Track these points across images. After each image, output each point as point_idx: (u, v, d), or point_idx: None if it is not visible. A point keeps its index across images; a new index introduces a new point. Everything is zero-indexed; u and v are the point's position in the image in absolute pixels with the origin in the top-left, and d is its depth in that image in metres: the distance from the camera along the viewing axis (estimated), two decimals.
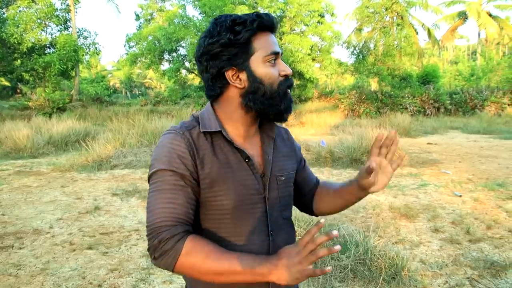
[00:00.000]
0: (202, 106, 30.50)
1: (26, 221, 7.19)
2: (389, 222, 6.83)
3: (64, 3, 35.99)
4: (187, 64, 36.81)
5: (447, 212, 7.32)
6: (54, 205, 8.22)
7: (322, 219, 1.43)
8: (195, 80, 41.68)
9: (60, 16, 35.44)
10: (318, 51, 37.44)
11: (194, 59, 1.72)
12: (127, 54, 40.42)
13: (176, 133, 1.60)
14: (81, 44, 35.51)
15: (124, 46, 41.35)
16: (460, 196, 8.37)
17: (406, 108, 31.17)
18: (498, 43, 58.05)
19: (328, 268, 1.37)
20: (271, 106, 1.62)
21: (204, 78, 1.68)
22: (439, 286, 4.62)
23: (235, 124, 1.68)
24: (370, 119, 27.28)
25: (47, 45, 34.93)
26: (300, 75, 35.27)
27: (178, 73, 37.31)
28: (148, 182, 1.60)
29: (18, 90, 49.38)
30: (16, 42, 31.16)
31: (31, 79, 37.16)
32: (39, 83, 36.24)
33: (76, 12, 35.92)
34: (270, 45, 1.62)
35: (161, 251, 1.45)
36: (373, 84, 40.02)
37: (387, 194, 8.66)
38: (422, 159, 12.67)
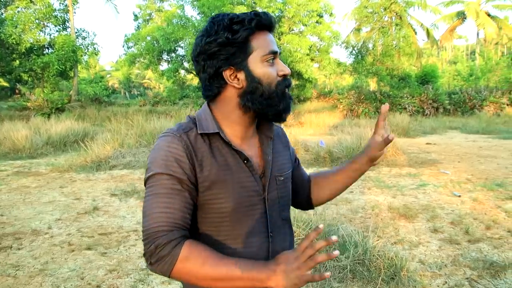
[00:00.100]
0: (200, 106, 30.42)
1: (25, 221, 7.18)
2: (388, 223, 6.83)
3: (63, 4, 35.98)
4: (186, 64, 36.79)
5: (446, 212, 7.32)
6: (53, 205, 8.21)
7: (320, 224, 1.42)
8: (194, 80, 41.68)
9: (59, 17, 35.43)
10: (317, 51, 37.50)
11: (192, 59, 1.70)
12: (125, 54, 40.39)
13: (173, 136, 1.58)
14: (80, 45, 35.47)
15: (123, 46, 41.48)
16: (459, 196, 8.36)
17: (405, 108, 31.16)
18: (496, 43, 58.06)
19: (327, 273, 1.37)
20: (269, 106, 1.61)
21: (201, 78, 1.67)
22: (438, 286, 4.61)
23: (233, 125, 1.66)
24: (369, 119, 27.32)
25: (46, 46, 34.91)
26: (299, 75, 35.32)
27: (177, 73, 37.32)
28: (145, 185, 1.58)
29: (17, 91, 49.46)
30: (14, 42, 31.14)
31: (29, 79, 37.12)
32: (38, 84, 36.24)
33: (75, 12, 36.07)
34: (269, 44, 1.60)
35: (158, 257, 1.43)
36: (372, 84, 40.01)
37: (386, 194, 8.66)
38: (421, 159, 12.67)
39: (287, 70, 1.63)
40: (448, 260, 5.29)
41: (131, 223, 7.01)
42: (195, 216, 1.60)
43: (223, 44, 1.56)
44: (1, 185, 10.03)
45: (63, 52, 32.37)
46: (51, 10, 33.93)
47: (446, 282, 4.70)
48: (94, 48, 36.94)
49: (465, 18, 49.64)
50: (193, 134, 1.60)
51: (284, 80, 1.64)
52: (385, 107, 1.79)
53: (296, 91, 38.04)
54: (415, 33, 40.46)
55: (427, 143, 17.04)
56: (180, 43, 35.96)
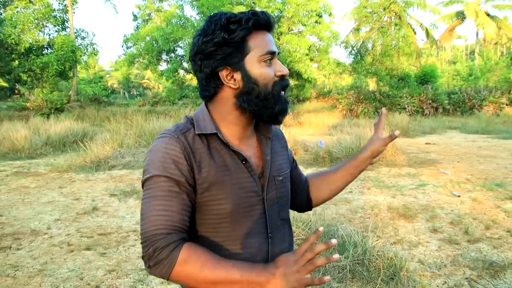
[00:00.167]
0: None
1: (24, 222, 7.18)
2: (388, 223, 6.82)
3: (62, 4, 35.97)
4: (185, 64, 36.80)
5: (446, 212, 7.32)
6: (52, 206, 8.21)
7: (320, 227, 1.41)
8: (193, 80, 41.65)
9: (58, 17, 35.41)
10: (316, 51, 37.50)
11: (189, 59, 1.70)
12: (125, 54, 40.42)
13: (171, 137, 1.57)
14: (79, 45, 35.46)
15: (122, 46, 41.45)
16: (459, 196, 8.36)
17: (404, 108, 31.17)
18: (496, 43, 58.07)
19: (327, 277, 1.36)
20: (265, 108, 1.59)
21: (198, 77, 1.66)
22: (437, 286, 4.61)
23: (230, 126, 1.65)
24: (368, 119, 27.31)
25: (45, 46, 34.88)
26: (298, 75, 35.33)
27: (176, 73, 37.35)
28: (142, 187, 1.57)
29: (16, 91, 49.49)
30: (13, 42, 31.12)
31: (29, 79, 37.12)
32: (37, 84, 36.23)
33: (74, 12, 35.95)
34: (266, 44, 1.59)
35: (156, 260, 1.42)
36: (371, 84, 40.03)
37: (385, 194, 8.66)
38: (420, 159, 12.67)
39: (285, 71, 1.62)
40: (448, 260, 5.29)
41: (130, 223, 7.01)
42: (194, 218, 1.59)
43: (219, 44, 1.55)
44: (0, 185, 10.03)
45: (62, 52, 32.36)
46: (50, 10, 33.92)
47: (445, 282, 4.70)
48: (93, 48, 36.90)
49: (465, 18, 49.65)
50: (190, 135, 1.59)
51: (282, 80, 1.62)
52: (385, 110, 1.89)
53: (295, 91, 38.06)
54: (415, 33, 40.46)
55: (426, 143, 17.05)
56: (179, 43, 36.00)
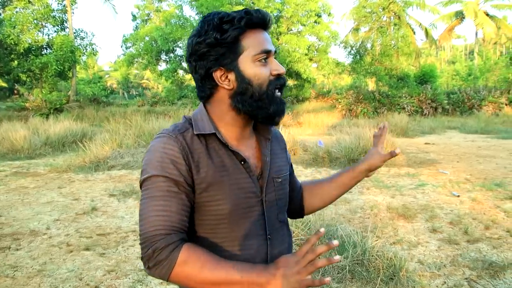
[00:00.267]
0: None
1: (23, 222, 7.17)
2: (387, 223, 6.82)
3: (61, 4, 36.03)
4: (184, 64, 36.80)
5: (445, 212, 7.32)
6: (51, 206, 8.20)
7: (322, 229, 1.40)
8: (192, 80, 41.44)
9: (57, 17, 35.45)
10: (315, 51, 37.55)
11: (186, 59, 1.68)
12: (124, 54, 40.47)
13: (169, 137, 1.55)
14: (78, 45, 35.51)
15: (121, 46, 41.56)
16: (458, 196, 8.36)
17: (404, 108, 31.20)
18: (495, 43, 58.14)
19: (327, 279, 1.35)
20: (259, 108, 1.57)
21: (194, 78, 1.65)
22: (437, 286, 4.61)
23: (228, 126, 1.63)
24: (367, 119, 27.32)
25: (44, 46, 34.89)
26: (297, 75, 35.38)
27: (175, 73, 37.39)
28: (140, 188, 1.55)
29: (15, 91, 49.51)
30: (13, 43, 31.10)
31: (28, 80, 37.13)
32: (36, 84, 36.22)
33: (73, 12, 35.94)
34: (261, 43, 1.57)
35: (156, 261, 1.41)
36: (371, 84, 40.08)
37: (385, 194, 8.66)
38: (419, 159, 12.68)
39: (281, 69, 1.60)
40: (447, 260, 5.28)
41: (129, 224, 7.00)
42: (192, 218, 1.58)
43: (212, 45, 1.53)
44: None
45: (61, 53, 32.38)
46: (49, 10, 33.93)
47: (445, 282, 4.69)
48: (93, 49, 36.91)
49: (464, 17, 49.67)
50: (189, 134, 1.58)
51: (278, 79, 1.60)
52: (387, 124, 1.92)
53: (295, 91, 38.11)
54: (414, 33, 40.45)
55: (425, 143, 17.06)
56: (178, 43, 36.05)
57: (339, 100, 33.67)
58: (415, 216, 7.14)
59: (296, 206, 2.04)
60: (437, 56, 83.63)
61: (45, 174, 11.37)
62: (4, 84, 50.61)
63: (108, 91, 57.08)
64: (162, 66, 39.81)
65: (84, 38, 37.02)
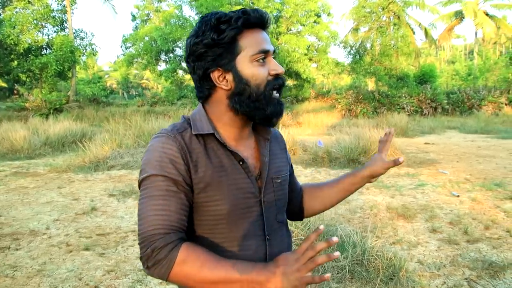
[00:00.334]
0: None
1: (23, 222, 7.17)
2: (387, 223, 6.82)
3: (61, 4, 36.04)
4: (183, 64, 36.76)
5: (445, 213, 7.31)
6: (51, 206, 8.20)
7: (321, 226, 1.39)
8: (191, 80, 41.36)
9: (57, 17, 35.47)
10: (315, 51, 37.58)
11: (184, 60, 1.68)
12: (123, 55, 40.54)
13: (168, 136, 1.55)
14: (78, 45, 35.54)
15: (121, 46, 41.58)
16: (458, 196, 8.36)
17: (403, 108, 31.22)
18: (495, 43, 58.16)
19: (327, 275, 1.34)
20: (256, 109, 1.57)
21: (193, 79, 1.65)
22: (437, 287, 4.61)
23: (226, 127, 1.63)
24: (367, 119, 27.31)
25: (44, 46, 34.89)
26: (297, 75, 35.41)
27: (175, 73, 37.43)
28: (139, 188, 1.55)
29: (15, 91, 49.54)
30: (12, 43, 31.11)
31: (27, 80, 37.13)
32: (36, 84, 36.25)
33: (73, 13, 35.95)
34: (259, 43, 1.56)
35: (155, 260, 1.40)
36: (370, 84, 40.11)
37: (384, 194, 8.66)
38: (419, 159, 12.67)
39: (280, 69, 1.58)
40: (447, 260, 5.28)
41: (129, 224, 7.00)
42: (191, 218, 1.57)
43: (209, 45, 1.53)
44: None
45: (61, 53, 32.39)
46: (49, 10, 33.95)
47: (445, 282, 4.69)
48: (92, 49, 36.90)
49: (463, 17, 49.68)
50: (187, 134, 1.58)
51: (276, 79, 1.59)
52: (392, 130, 1.92)
53: (294, 91, 38.14)
54: (413, 32, 40.46)
55: (425, 143, 17.06)
56: (178, 43, 36.09)
57: (339, 100, 33.70)
58: (414, 216, 7.14)
59: (295, 208, 2.03)
60: (436, 56, 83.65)
61: (45, 174, 11.37)
62: (4, 84, 50.63)
63: (108, 91, 57.09)
64: (162, 66, 39.92)
65: (84, 38, 37.07)
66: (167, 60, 38.45)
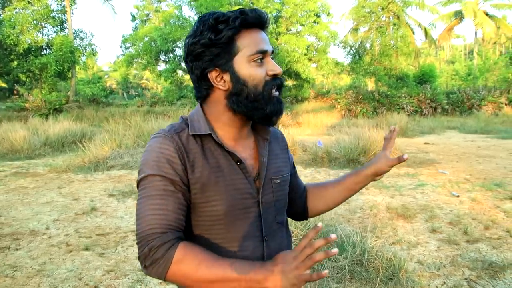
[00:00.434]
0: None
1: (23, 222, 7.17)
2: (386, 223, 6.82)
3: (60, 5, 36.03)
4: (183, 64, 36.55)
5: (445, 213, 7.31)
6: (51, 206, 8.20)
7: (319, 223, 1.38)
8: (191, 80, 41.63)
9: (56, 18, 35.45)
10: (315, 51, 37.55)
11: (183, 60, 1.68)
12: (123, 55, 40.57)
13: (165, 137, 1.55)
14: (78, 45, 35.54)
15: (121, 47, 41.59)
16: (458, 196, 8.36)
17: (403, 108, 31.24)
18: (495, 43, 58.17)
19: (325, 272, 1.32)
20: (255, 109, 1.56)
21: (191, 79, 1.64)
22: (436, 287, 4.61)
23: (225, 127, 1.62)
24: (367, 119, 27.31)
25: (44, 47, 34.88)
26: (296, 75, 35.41)
27: (175, 73, 37.43)
28: (137, 188, 1.55)
29: (15, 92, 49.49)
30: (12, 43, 31.09)
31: (27, 80, 37.11)
32: (36, 85, 36.22)
33: (72, 13, 35.96)
34: (256, 43, 1.55)
35: (152, 260, 1.40)
36: (370, 84, 40.10)
37: (384, 194, 8.66)
38: (419, 159, 12.67)
39: (278, 70, 1.58)
40: (447, 261, 5.28)
41: (129, 224, 7.00)
42: (189, 218, 1.57)
43: (206, 45, 1.52)
44: None
45: (61, 53, 32.39)
46: (49, 11, 33.95)
47: (444, 282, 4.69)
48: (92, 49, 36.88)
49: (463, 17, 49.66)
50: (185, 135, 1.58)
51: (274, 79, 1.58)
52: (397, 128, 1.88)
53: (294, 91, 38.13)
54: (413, 32, 40.44)
55: (425, 143, 17.06)
56: (177, 43, 36.09)
57: (338, 100, 33.70)
58: (414, 216, 7.14)
59: (299, 208, 2.02)
60: (436, 56, 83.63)
61: (45, 174, 11.37)
62: (4, 85, 50.62)
63: (108, 91, 56.95)
64: (161, 67, 39.91)
65: (84, 38, 37.06)
66: (167, 60, 38.46)
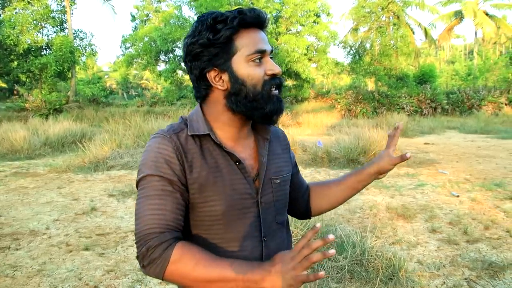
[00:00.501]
0: None
1: (23, 222, 7.17)
2: (386, 223, 6.82)
3: (60, 5, 36.01)
4: (183, 65, 36.60)
5: (445, 213, 7.31)
6: (51, 206, 8.20)
7: (318, 224, 1.38)
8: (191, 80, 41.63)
9: (56, 18, 35.43)
10: (315, 51, 37.54)
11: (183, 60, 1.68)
12: (123, 55, 40.55)
13: (163, 137, 1.55)
14: (78, 46, 35.50)
15: (120, 47, 41.57)
16: (458, 196, 8.36)
17: (403, 108, 31.23)
18: (495, 43, 58.14)
19: (321, 273, 1.31)
20: (254, 109, 1.56)
21: (191, 79, 1.64)
22: (436, 287, 4.61)
23: (224, 127, 1.62)
24: (367, 119, 27.30)
25: (44, 47, 34.86)
26: (296, 75, 35.40)
27: (174, 73, 37.43)
28: (137, 187, 1.56)
29: (15, 92, 49.42)
30: (12, 43, 31.07)
31: (27, 80, 37.07)
32: (36, 85, 36.19)
33: (72, 13, 35.93)
34: (255, 43, 1.55)
35: (149, 259, 1.41)
36: (370, 84, 40.08)
37: (384, 194, 8.66)
38: (419, 159, 12.67)
39: (276, 69, 1.57)
40: (447, 261, 5.28)
41: (129, 224, 7.01)
42: (187, 218, 1.58)
43: (205, 45, 1.52)
44: None
45: (61, 53, 32.37)
46: (49, 11, 33.93)
47: (444, 282, 4.69)
48: (92, 49, 36.84)
49: (463, 17, 49.64)
50: (183, 135, 1.58)
51: (273, 79, 1.58)
52: (401, 124, 1.88)
53: (294, 91, 38.14)
54: (413, 32, 40.44)
55: (425, 143, 17.06)
56: (177, 43, 36.07)
57: (338, 100, 33.68)
58: (414, 216, 7.14)
59: (302, 207, 2.01)
60: (436, 56, 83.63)
61: (45, 174, 11.37)
62: (4, 85, 50.64)
63: (108, 91, 56.93)
64: (161, 67, 39.91)
65: (84, 38, 37.00)
66: (167, 60, 38.47)
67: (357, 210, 7.58)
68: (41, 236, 6.47)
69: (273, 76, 1.58)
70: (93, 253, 5.73)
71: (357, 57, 37.69)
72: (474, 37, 54.66)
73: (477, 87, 35.95)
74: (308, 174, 10.72)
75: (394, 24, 37.18)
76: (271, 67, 1.57)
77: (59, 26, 35.89)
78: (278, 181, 1.71)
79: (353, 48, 38.51)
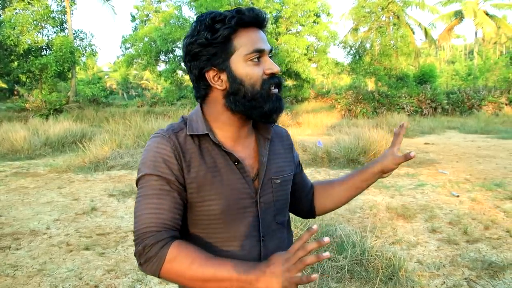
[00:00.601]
0: None
1: (23, 222, 7.18)
2: (386, 223, 6.82)
3: (60, 5, 36.00)
4: (183, 65, 36.54)
5: (445, 213, 7.32)
6: (51, 206, 8.21)
7: (314, 225, 1.37)
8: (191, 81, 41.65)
9: (56, 18, 35.41)
10: (314, 51, 37.57)
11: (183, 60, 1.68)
12: (123, 55, 40.57)
13: (162, 137, 1.56)
14: (78, 46, 35.46)
15: (120, 47, 41.61)
16: (458, 196, 8.36)
17: (403, 108, 31.22)
18: (495, 43, 58.09)
19: (314, 275, 1.30)
20: (253, 108, 1.55)
21: (190, 79, 1.64)
22: (436, 286, 4.61)
23: (224, 126, 1.62)
24: (367, 119, 27.29)
25: (44, 47, 34.85)
26: (296, 75, 35.42)
27: (175, 74, 37.45)
28: (136, 186, 1.57)
29: (15, 92, 49.51)
30: (12, 44, 31.05)
31: (27, 81, 37.03)
32: (36, 85, 36.18)
33: (72, 13, 35.91)
34: (253, 42, 1.54)
35: (146, 258, 1.42)
36: (370, 84, 40.04)
37: (384, 194, 8.66)
38: (419, 159, 12.66)
39: (275, 68, 1.57)
40: (447, 260, 5.29)
41: (129, 224, 7.01)
42: (186, 217, 1.58)
43: (203, 45, 1.52)
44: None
45: (61, 53, 32.34)
46: (49, 11, 33.93)
47: (444, 282, 4.70)
48: (92, 49, 36.81)
49: (463, 17, 49.62)
50: (182, 134, 1.58)
51: (271, 78, 1.57)
52: (406, 123, 1.84)
53: (294, 91, 38.14)
54: (413, 32, 40.41)
55: (425, 143, 17.06)
56: (177, 43, 36.07)
57: (338, 100, 33.66)
58: (414, 216, 7.14)
59: (306, 207, 2.00)
60: (436, 56, 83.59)
61: (45, 174, 11.38)
62: (4, 85, 50.64)
63: (108, 91, 56.96)
64: (161, 67, 39.92)
65: (84, 39, 36.97)
66: (167, 60, 38.49)
67: (357, 210, 7.59)
68: (42, 236, 6.47)
69: (272, 75, 1.58)
70: (94, 253, 5.74)
71: (357, 57, 37.67)
72: (474, 37, 54.66)
73: (477, 87, 35.90)
74: (308, 174, 10.69)
75: (394, 24, 37.19)
76: (270, 66, 1.56)
77: (59, 27, 35.90)
78: (279, 181, 1.71)
79: (353, 48, 38.50)
